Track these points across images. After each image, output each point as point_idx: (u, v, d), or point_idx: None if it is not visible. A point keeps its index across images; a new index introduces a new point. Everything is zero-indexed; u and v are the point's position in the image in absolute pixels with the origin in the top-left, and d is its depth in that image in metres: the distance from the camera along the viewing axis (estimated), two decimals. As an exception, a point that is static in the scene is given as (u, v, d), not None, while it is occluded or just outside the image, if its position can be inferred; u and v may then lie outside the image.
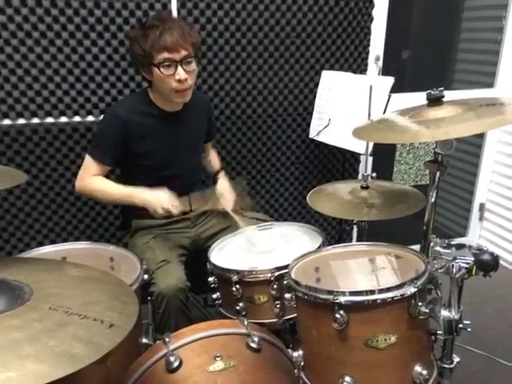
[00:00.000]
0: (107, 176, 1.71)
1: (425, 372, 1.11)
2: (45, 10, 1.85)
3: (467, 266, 1.09)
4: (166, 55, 1.53)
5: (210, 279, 1.53)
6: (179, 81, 1.56)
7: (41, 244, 1.99)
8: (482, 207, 2.98)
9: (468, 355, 1.96)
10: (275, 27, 2.18)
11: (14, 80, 1.89)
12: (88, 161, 1.67)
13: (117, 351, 0.74)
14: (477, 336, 1.95)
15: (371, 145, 1.97)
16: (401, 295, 1.08)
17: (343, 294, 1.09)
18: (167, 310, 1.48)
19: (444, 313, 1.09)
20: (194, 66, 1.60)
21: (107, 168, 1.69)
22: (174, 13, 2.00)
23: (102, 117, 1.78)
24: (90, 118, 2.03)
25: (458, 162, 3.00)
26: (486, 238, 3.00)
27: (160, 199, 1.59)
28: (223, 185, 1.87)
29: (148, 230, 1.73)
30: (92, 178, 1.66)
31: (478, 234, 3.05)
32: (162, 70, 1.55)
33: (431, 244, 1.19)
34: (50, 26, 1.87)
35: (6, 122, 1.94)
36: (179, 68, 1.55)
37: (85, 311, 0.79)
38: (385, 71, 2.45)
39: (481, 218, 3.02)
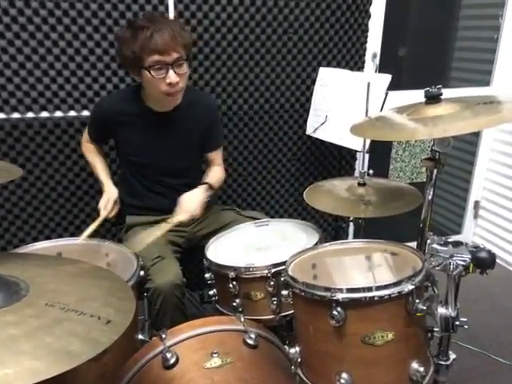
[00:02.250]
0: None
1: (421, 369, 1.11)
2: (40, 3, 1.83)
3: (464, 263, 1.10)
4: (156, 58, 1.48)
5: (207, 275, 1.52)
6: (170, 84, 1.52)
7: (36, 239, 1.96)
8: (476, 205, 3.00)
9: (464, 352, 1.97)
10: (273, 23, 2.17)
11: (8, 74, 1.87)
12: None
13: (113, 348, 0.73)
14: (472, 333, 1.95)
15: (368, 142, 1.97)
16: (398, 292, 1.08)
17: (340, 290, 1.09)
18: (163, 306, 1.48)
19: (441, 310, 1.10)
20: (185, 68, 1.56)
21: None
22: (171, 7, 1.99)
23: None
24: (85, 113, 2.01)
25: (454, 160, 3.00)
26: (481, 236, 3.02)
27: (104, 197, 1.72)
28: (190, 194, 1.67)
29: (142, 227, 1.72)
30: (87, 145, 1.86)
31: (472, 232, 3.07)
32: (152, 72, 1.50)
33: (428, 241, 1.19)
34: (45, 19, 1.85)
35: (1, 116, 1.92)
36: (170, 71, 1.50)
37: (81, 307, 0.78)
38: (381, 68, 2.45)
39: (475, 216, 3.03)
